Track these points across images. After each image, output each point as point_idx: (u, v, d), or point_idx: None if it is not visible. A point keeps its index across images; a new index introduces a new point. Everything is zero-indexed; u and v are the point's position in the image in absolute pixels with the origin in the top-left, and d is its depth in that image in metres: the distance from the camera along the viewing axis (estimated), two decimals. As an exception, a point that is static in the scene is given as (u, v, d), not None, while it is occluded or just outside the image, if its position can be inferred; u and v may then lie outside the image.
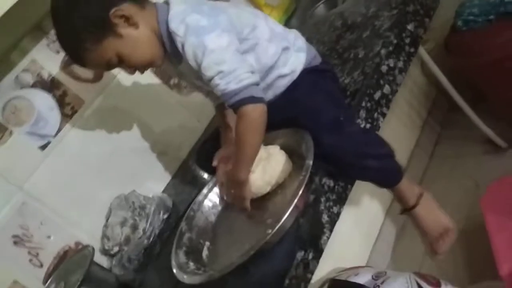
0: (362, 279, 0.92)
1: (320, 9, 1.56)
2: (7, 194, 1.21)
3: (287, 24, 1.72)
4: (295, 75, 0.99)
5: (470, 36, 1.31)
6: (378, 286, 0.89)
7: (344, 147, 0.87)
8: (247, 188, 0.91)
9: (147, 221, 1.25)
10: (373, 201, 1.27)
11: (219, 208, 1.07)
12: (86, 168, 1.33)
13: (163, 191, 1.43)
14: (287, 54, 0.98)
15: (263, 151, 0.93)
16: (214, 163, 1.05)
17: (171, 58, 0.96)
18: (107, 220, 1.30)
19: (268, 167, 0.91)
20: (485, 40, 1.29)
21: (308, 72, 1.00)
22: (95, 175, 1.34)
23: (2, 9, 1.00)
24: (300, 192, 0.79)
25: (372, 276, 0.93)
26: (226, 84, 0.83)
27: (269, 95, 1.01)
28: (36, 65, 1.28)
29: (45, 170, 1.27)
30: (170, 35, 0.88)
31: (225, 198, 1.03)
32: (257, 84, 0.85)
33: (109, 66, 0.91)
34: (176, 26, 0.86)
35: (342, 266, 1.06)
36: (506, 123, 1.39)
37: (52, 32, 1.31)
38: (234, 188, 0.93)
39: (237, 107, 0.84)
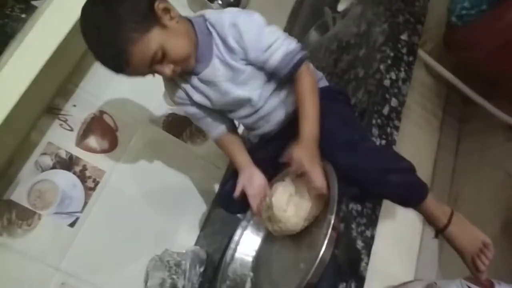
0: (413, 293, 0.90)
1: (313, 35, 1.57)
2: (46, 277, 1.24)
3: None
4: None
5: (468, 30, 1.29)
6: (430, 298, 0.86)
7: (362, 165, 0.86)
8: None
9: (184, 278, 1.24)
10: (407, 214, 1.23)
11: (258, 244, 1.03)
12: (117, 235, 1.35)
13: (195, 244, 1.43)
14: None
15: (292, 187, 0.90)
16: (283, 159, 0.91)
17: (195, 66, 0.97)
18: (146, 284, 1.30)
19: (301, 202, 0.88)
20: (484, 30, 1.26)
21: (320, 95, 0.99)
22: (126, 240, 1.36)
23: (20, 90, 1.06)
24: (332, 225, 0.78)
25: (423, 288, 0.90)
26: (289, 44, 0.92)
27: (281, 114, 1.01)
28: (53, 147, 1.33)
29: (78, 245, 1.29)
30: (207, 28, 0.94)
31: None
32: None
33: (152, 62, 0.89)
34: (218, 14, 0.94)
35: (390, 285, 1.03)
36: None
37: (64, 110, 1.36)
38: (308, 159, 0.84)
39: (299, 65, 0.92)
